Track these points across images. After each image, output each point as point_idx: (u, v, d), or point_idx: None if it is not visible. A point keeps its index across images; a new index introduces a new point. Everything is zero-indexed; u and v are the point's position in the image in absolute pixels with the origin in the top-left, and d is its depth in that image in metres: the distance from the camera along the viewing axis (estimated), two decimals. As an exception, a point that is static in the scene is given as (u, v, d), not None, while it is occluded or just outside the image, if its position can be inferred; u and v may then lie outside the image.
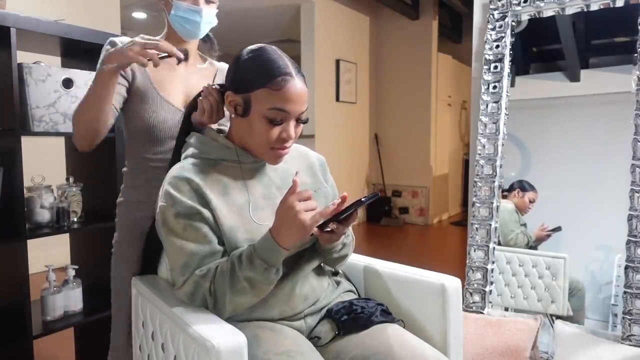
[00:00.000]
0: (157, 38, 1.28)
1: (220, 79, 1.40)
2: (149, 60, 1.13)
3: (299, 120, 1.04)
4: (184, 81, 1.37)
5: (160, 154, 1.31)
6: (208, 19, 1.31)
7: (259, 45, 1.05)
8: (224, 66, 1.47)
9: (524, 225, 1.98)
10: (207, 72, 1.44)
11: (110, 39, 1.28)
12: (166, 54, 1.16)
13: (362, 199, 0.95)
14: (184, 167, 1.05)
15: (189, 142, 1.11)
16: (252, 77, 1.01)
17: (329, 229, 1.00)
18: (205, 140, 1.09)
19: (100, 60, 1.22)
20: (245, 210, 1.05)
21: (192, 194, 1.01)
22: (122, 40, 1.24)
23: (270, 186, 1.11)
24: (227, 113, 1.14)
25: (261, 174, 1.11)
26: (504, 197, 2.02)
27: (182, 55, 1.19)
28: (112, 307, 1.39)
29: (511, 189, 2.03)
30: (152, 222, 1.18)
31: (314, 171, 1.20)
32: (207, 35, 1.41)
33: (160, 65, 1.21)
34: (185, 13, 1.28)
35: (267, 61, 1.01)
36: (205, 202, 1.01)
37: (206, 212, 1.00)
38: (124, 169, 1.38)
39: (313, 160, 1.22)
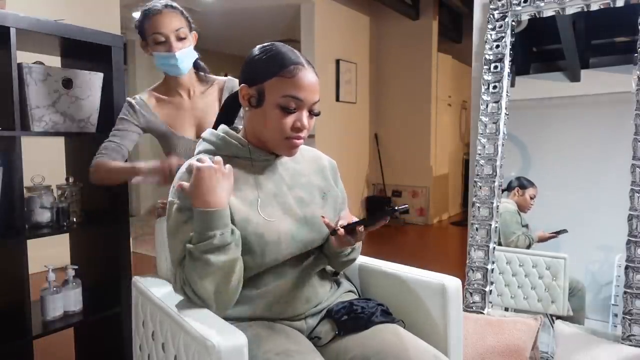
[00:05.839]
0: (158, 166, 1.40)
1: (228, 93, 1.54)
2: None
3: (311, 112, 1.05)
4: (191, 114, 1.57)
5: None
6: (184, 57, 1.49)
7: (269, 42, 1.08)
8: (228, 82, 1.61)
9: (526, 226, 1.98)
10: (210, 95, 1.59)
11: (128, 99, 1.54)
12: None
13: (396, 207, 1.02)
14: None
15: (204, 137, 1.13)
16: (264, 68, 1.03)
17: (353, 227, 1.04)
18: (220, 136, 1.10)
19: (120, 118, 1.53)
20: (254, 206, 1.06)
21: None
22: (138, 102, 1.52)
23: (280, 184, 1.11)
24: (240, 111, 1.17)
25: (272, 172, 1.12)
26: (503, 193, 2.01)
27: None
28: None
29: (510, 188, 2.02)
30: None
31: (325, 174, 1.21)
32: (197, 63, 1.58)
33: (167, 106, 1.54)
34: (163, 59, 1.48)
35: (279, 52, 1.04)
36: None
37: None
38: None
39: (325, 164, 1.23)
